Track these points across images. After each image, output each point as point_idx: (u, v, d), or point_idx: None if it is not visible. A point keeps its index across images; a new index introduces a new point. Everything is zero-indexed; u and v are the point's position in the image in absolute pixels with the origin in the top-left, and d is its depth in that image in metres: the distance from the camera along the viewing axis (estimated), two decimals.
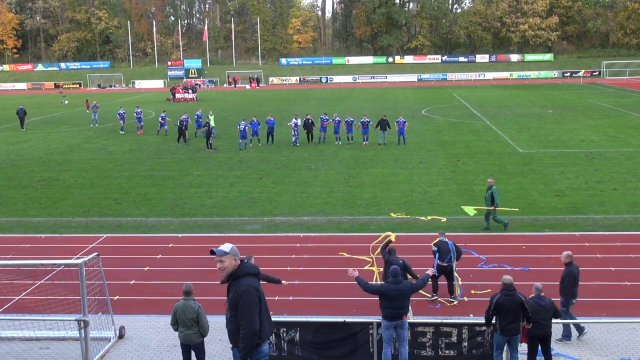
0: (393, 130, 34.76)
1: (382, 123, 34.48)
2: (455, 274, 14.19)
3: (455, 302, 13.74)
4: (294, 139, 35.28)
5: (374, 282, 10.96)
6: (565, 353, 11.29)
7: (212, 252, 7.29)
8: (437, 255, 13.84)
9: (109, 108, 59.50)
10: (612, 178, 25.28)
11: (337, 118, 35.93)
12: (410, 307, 10.72)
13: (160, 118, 41.06)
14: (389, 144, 34.17)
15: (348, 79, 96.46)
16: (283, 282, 11.83)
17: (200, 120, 39.87)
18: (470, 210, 19.22)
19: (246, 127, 34.49)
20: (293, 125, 35.22)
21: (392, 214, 20.61)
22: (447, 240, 14.03)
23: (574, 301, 11.87)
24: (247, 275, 7.33)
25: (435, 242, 14.16)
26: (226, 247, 7.29)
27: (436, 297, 13.96)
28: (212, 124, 37.45)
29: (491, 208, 18.70)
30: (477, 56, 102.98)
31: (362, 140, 34.94)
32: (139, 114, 42.38)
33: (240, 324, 7.19)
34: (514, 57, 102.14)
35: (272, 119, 35.98)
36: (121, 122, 41.87)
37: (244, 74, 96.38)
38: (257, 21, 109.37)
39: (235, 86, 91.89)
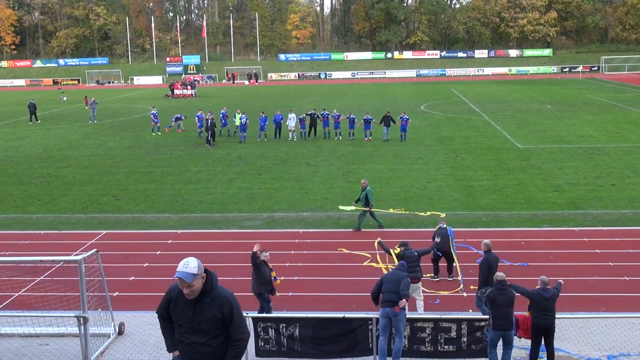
0: (395, 126, 34.66)
1: (386, 119, 34.18)
2: (455, 257, 14.56)
3: (461, 287, 14.12)
4: (291, 134, 35.40)
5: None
6: (564, 348, 11.31)
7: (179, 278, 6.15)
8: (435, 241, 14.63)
9: (108, 104, 59.48)
10: (610, 173, 25.30)
11: (338, 113, 35.93)
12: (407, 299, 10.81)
13: (196, 118, 37.42)
14: (390, 139, 34.10)
15: (347, 74, 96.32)
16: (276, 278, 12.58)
17: (226, 119, 38.32)
18: (347, 208, 19.26)
19: (246, 121, 34.87)
20: (300, 120, 35.73)
21: (391, 210, 20.60)
22: (446, 227, 14.74)
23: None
24: (218, 284, 6.34)
25: (436, 230, 14.95)
26: (193, 267, 6.10)
27: (438, 279, 14.65)
28: (237, 122, 36.29)
29: (366, 209, 18.60)
30: (476, 51, 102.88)
31: (363, 136, 34.84)
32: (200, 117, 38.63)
33: (238, 336, 6.34)
34: (513, 53, 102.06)
35: (279, 114, 36.27)
36: (153, 122, 39.10)
37: (243, 70, 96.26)
38: (256, 17, 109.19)
39: (234, 82, 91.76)
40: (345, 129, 35.56)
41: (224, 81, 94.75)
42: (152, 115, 39.65)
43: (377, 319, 10.90)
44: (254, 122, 37.09)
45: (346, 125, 35.47)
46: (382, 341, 10.73)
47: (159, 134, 38.84)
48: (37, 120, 46.70)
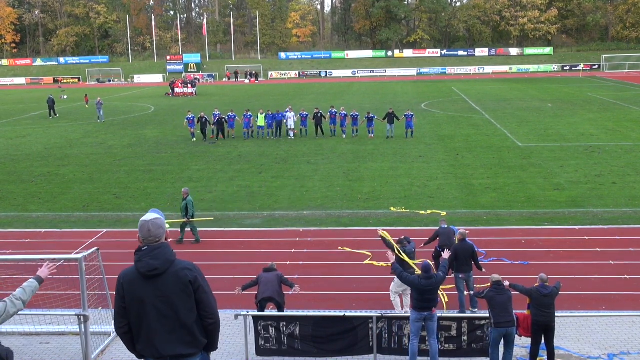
0: (400, 124, 34.73)
1: (389, 116, 34.26)
2: None
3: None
4: (291, 133, 35.45)
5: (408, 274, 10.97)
6: (565, 346, 11.32)
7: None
8: (438, 239, 14.43)
9: (109, 103, 59.44)
10: (611, 172, 25.28)
11: (344, 112, 36.01)
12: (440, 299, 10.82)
13: (186, 120, 36.04)
14: (395, 137, 34.11)
15: (347, 73, 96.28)
16: (296, 287, 12.16)
17: (232, 120, 36.46)
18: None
19: (251, 118, 35.43)
20: (300, 117, 36.04)
21: (391, 208, 20.61)
22: (447, 226, 14.51)
23: (460, 276, 12.64)
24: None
25: (437, 229, 14.70)
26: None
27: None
28: (260, 122, 35.54)
29: (184, 220, 17.91)
30: (477, 50, 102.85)
31: (367, 133, 34.97)
32: (216, 116, 36.66)
33: None
34: (514, 51, 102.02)
35: (281, 112, 36.35)
36: (190, 127, 35.82)
37: (243, 69, 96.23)
38: (256, 15, 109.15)
39: (237, 79, 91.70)
40: (349, 127, 35.68)
41: (224, 80, 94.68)
42: (187, 120, 36.35)
43: (377, 318, 10.91)
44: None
45: (350, 123, 35.60)
46: (415, 344, 10.61)
47: (194, 140, 36.02)
48: (56, 115, 48.64)
